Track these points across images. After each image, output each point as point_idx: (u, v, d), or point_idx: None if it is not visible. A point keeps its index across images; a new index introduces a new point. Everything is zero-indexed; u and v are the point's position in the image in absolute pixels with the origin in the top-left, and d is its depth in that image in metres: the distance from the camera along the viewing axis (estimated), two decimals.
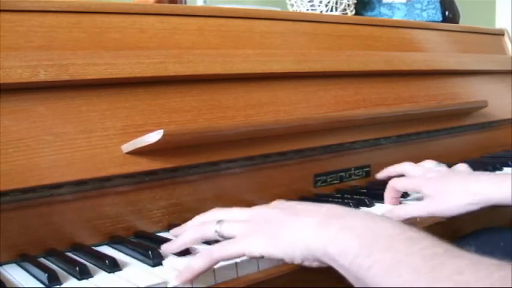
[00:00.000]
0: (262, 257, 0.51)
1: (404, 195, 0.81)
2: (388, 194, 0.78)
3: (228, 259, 0.53)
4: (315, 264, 0.49)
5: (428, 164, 0.79)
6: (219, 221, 0.55)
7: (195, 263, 0.52)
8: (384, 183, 0.81)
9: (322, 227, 0.48)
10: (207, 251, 0.53)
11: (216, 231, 0.55)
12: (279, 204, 0.56)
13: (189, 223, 0.61)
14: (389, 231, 0.45)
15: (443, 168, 0.77)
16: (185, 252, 0.59)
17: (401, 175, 0.78)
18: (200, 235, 0.57)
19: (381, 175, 0.83)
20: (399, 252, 0.43)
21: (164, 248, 0.59)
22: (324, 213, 0.50)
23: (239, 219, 0.55)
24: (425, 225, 0.74)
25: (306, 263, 0.49)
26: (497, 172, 1.00)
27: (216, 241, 0.55)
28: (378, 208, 0.78)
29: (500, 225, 0.85)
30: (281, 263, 0.58)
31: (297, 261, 0.49)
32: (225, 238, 0.54)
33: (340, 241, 0.46)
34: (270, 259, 0.55)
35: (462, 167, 0.77)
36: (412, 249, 0.43)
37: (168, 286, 0.52)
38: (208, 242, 0.59)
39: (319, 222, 0.48)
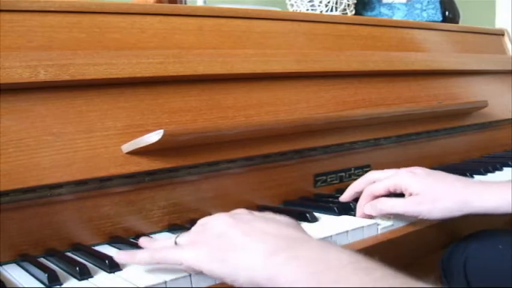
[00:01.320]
0: (200, 272, 0.50)
1: None
2: (362, 202, 0.73)
3: (167, 263, 0.53)
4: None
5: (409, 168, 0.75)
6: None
7: (139, 255, 0.54)
8: None
9: (270, 256, 0.46)
10: (153, 249, 0.55)
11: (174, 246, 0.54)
12: (235, 217, 0.53)
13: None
14: (342, 261, 0.44)
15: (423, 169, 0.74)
16: None
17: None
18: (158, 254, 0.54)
19: (345, 196, 0.78)
20: (350, 283, 0.41)
21: (119, 258, 0.56)
22: (276, 240, 0.48)
23: (196, 225, 0.54)
24: (425, 226, 0.74)
25: (247, 286, 0.48)
26: (497, 173, 1.01)
27: None
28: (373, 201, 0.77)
29: (499, 226, 0.85)
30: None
31: (236, 284, 0.48)
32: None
33: (287, 272, 0.44)
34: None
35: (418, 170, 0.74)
36: (365, 279, 0.41)
37: (166, 284, 0.52)
38: None
39: (267, 250, 0.46)
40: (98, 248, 0.64)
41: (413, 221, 0.73)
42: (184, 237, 0.54)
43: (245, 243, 0.48)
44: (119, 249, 0.64)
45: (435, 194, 0.67)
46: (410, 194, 0.69)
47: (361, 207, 0.73)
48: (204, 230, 0.52)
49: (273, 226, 0.50)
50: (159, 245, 0.56)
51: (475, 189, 0.67)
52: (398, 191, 0.71)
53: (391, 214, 0.71)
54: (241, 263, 0.47)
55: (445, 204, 0.66)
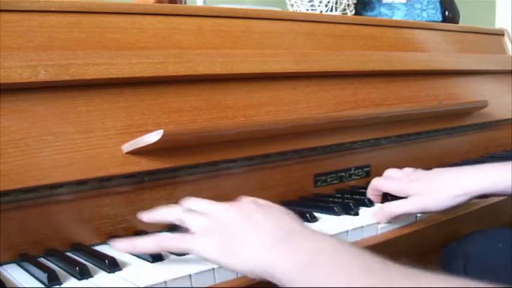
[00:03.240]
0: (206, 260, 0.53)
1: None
2: (372, 192, 0.79)
3: (175, 252, 0.57)
4: (260, 278, 0.51)
5: (407, 170, 0.78)
6: (188, 210, 0.57)
7: (142, 243, 0.56)
8: None
9: (272, 248, 0.49)
10: (158, 237, 0.56)
11: (179, 219, 0.57)
12: (246, 208, 0.56)
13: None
14: (336, 248, 0.47)
15: (420, 171, 0.77)
16: (184, 253, 0.59)
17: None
18: (166, 217, 0.59)
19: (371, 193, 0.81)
20: (345, 269, 0.44)
21: (140, 215, 0.61)
22: (277, 233, 0.51)
23: (205, 213, 0.56)
24: (425, 225, 0.74)
25: (252, 276, 0.51)
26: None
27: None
28: (377, 208, 0.78)
29: (500, 225, 0.85)
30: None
31: (242, 273, 0.52)
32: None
33: (286, 263, 0.47)
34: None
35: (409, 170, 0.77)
36: (352, 263, 0.45)
37: (166, 284, 0.52)
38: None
39: (268, 242, 0.50)
40: (98, 248, 0.64)
41: (413, 220, 0.73)
42: (192, 224, 0.56)
43: (247, 235, 0.51)
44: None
45: (437, 187, 0.69)
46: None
47: (368, 195, 0.79)
48: (209, 221, 0.55)
49: (274, 218, 0.53)
50: (161, 236, 0.58)
51: (473, 173, 0.69)
52: (403, 195, 0.72)
53: (398, 216, 0.71)
54: (243, 254, 0.50)
55: (451, 192, 0.68)
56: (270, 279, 0.48)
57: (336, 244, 0.48)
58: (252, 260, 0.49)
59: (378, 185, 0.77)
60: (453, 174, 0.70)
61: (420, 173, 0.75)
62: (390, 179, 0.76)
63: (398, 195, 0.73)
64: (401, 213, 0.70)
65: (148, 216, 0.61)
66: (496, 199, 0.83)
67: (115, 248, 0.57)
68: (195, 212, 0.57)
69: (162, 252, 0.59)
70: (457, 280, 0.41)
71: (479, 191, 0.67)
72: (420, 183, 0.71)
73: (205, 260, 0.53)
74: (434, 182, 0.70)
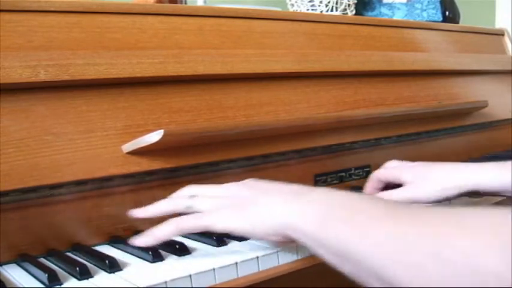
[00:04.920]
0: (226, 233, 0.55)
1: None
2: (369, 184, 0.78)
3: (194, 231, 0.57)
4: (277, 239, 0.52)
5: (408, 162, 0.79)
6: (192, 196, 0.58)
7: (160, 230, 0.56)
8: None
9: (289, 202, 0.52)
10: (174, 220, 0.56)
11: (187, 206, 0.57)
12: (249, 182, 0.59)
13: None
14: (354, 197, 0.50)
15: (419, 162, 0.78)
16: (184, 252, 0.59)
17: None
18: (172, 207, 0.59)
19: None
20: (367, 212, 0.46)
21: (134, 213, 0.61)
22: (291, 191, 0.54)
23: (211, 195, 0.57)
24: None
25: (270, 238, 0.53)
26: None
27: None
28: None
29: None
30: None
31: (260, 235, 0.53)
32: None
33: (305, 212, 0.49)
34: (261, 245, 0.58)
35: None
36: (379, 205, 0.47)
37: (167, 284, 0.52)
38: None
39: (286, 198, 0.52)
40: (98, 248, 0.64)
41: None
42: (202, 205, 0.56)
43: (263, 198, 0.54)
44: (119, 249, 0.64)
45: (429, 177, 0.69)
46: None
47: (366, 188, 0.79)
48: (219, 199, 0.56)
49: (284, 185, 0.57)
50: (181, 217, 0.57)
51: (467, 168, 0.69)
52: (397, 182, 0.73)
53: None
54: (263, 214, 0.52)
55: (440, 183, 0.68)
56: (292, 234, 0.50)
57: (349, 193, 0.51)
58: (272, 217, 0.51)
59: (375, 174, 0.77)
60: (447, 166, 0.71)
61: (417, 163, 0.75)
62: (387, 169, 0.77)
63: (392, 182, 0.73)
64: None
65: (147, 212, 0.60)
66: (495, 199, 0.83)
67: (139, 244, 0.57)
68: (199, 196, 0.58)
69: (162, 252, 0.59)
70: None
71: (470, 185, 0.67)
72: (412, 171, 0.71)
73: (226, 231, 0.54)
74: (425, 172, 0.70)
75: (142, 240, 0.57)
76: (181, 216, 0.57)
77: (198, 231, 0.57)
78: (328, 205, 0.49)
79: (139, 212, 0.61)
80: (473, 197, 0.70)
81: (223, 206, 0.55)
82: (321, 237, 0.47)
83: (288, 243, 0.55)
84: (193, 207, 0.57)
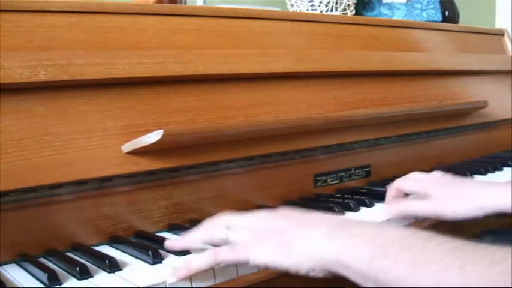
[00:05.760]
0: (266, 267, 0.51)
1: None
2: (390, 193, 0.76)
3: (232, 263, 0.54)
4: (320, 275, 0.49)
5: (436, 173, 0.77)
6: (227, 226, 0.55)
7: (197, 261, 0.53)
8: (384, 183, 0.81)
9: (332, 237, 0.48)
10: (213, 251, 0.53)
11: (222, 238, 0.54)
12: (285, 213, 0.56)
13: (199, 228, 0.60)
14: (400, 234, 0.46)
15: (448, 176, 0.76)
16: (185, 251, 0.59)
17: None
18: (207, 238, 0.57)
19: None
20: (418, 249, 0.43)
21: (168, 245, 0.59)
22: (330, 224, 0.50)
23: (247, 226, 0.55)
24: (423, 225, 0.74)
25: (312, 274, 0.49)
26: (497, 173, 1.01)
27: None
28: (378, 208, 0.78)
29: (500, 226, 0.85)
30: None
31: (303, 272, 0.49)
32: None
33: (352, 248, 0.46)
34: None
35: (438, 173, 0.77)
36: (429, 245, 0.43)
37: (166, 284, 0.52)
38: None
39: (327, 232, 0.48)
40: (98, 248, 0.64)
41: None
42: (238, 236, 0.54)
43: (304, 230, 0.50)
44: (119, 249, 0.64)
45: (459, 195, 0.69)
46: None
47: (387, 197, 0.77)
48: (254, 231, 0.53)
49: (321, 217, 0.53)
50: (214, 249, 0.55)
51: (496, 189, 0.68)
52: (422, 195, 0.72)
53: (412, 215, 0.71)
54: (306, 250, 0.48)
55: (470, 202, 0.67)
56: (340, 269, 0.47)
57: (395, 228, 0.47)
58: (316, 253, 0.48)
59: (400, 184, 0.75)
60: (476, 186, 0.70)
61: (447, 178, 0.74)
62: (414, 180, 0.75)
63: (419, 194, 0.72)
64: (414, 213, 0.70)
65: (181, 244, 0.59)
66: None
67: (177, 278, 0.54)
68: (234, 226, 0.55)
69: (162, 252, 0.59)
70: None
71: (496, 206, 0.66)
72: (443, 187, 0.70)
73: (265, 266, 0.51)
74: (457, 190, 0.69)
75: (178, 274, 0.54)
76: (219, 248, 0.54)
77: (237, 263, 0.55)
78: (378, 240, 0.46)
79: (174, 245, 0.59)
80: (499, 217, 0.70)
81: (260, 239, 0.52)
82: (373, 273, 0.44)
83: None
84: (229, 239, 0.54)
